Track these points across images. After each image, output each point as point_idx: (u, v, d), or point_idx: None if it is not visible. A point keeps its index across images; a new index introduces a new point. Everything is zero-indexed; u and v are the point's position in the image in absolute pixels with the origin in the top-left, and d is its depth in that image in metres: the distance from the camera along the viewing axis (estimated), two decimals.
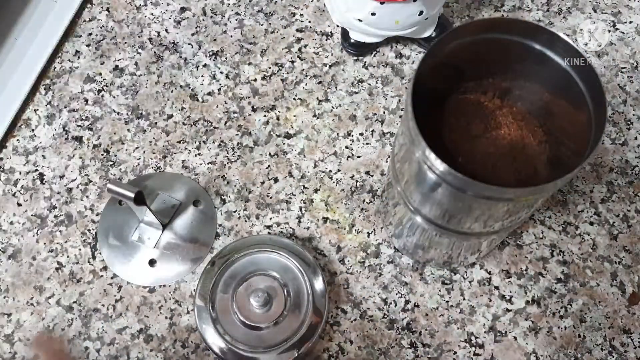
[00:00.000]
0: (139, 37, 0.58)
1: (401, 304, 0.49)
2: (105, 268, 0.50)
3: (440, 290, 0.50)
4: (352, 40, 0.56)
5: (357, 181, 0.53)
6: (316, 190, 0.53)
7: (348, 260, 0.50)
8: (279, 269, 0.46)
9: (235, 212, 0.52)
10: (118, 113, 0.55)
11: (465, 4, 0.60)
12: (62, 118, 0.55)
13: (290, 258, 0.46)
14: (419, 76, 0.35)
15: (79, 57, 0.57)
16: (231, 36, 0.58)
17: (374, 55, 0.57)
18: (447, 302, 0.49)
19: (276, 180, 0.53)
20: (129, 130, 0.55)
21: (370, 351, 0.48)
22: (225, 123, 0.55)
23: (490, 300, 0.49)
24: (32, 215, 0.52)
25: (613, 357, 0.48)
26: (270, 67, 0.57)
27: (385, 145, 0.54)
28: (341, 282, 0.50)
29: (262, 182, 0.53)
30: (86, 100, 0.56)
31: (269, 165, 0.53)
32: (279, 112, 0.55)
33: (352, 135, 0.54)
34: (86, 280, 0.50)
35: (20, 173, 0.53)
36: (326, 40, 0.58)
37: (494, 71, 0.40)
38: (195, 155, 0.54)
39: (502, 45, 0.38)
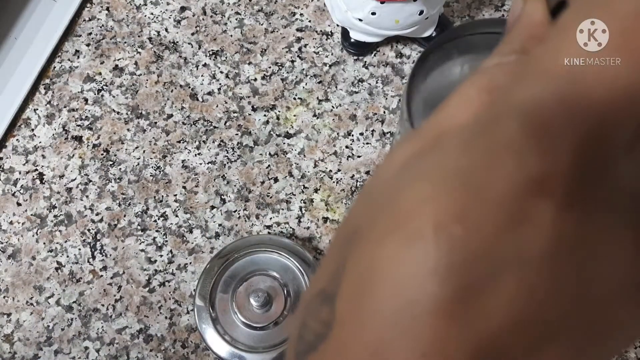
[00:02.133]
0: (138, 36, 0.58)
1: None
2: (104, 268, 0.50)
3: None
4: (352, 40, 0.56)
5: (357, 181, 0.53)
6: (316, 190, 0.53)
7: None
8: (279, 269, 0.46)
9: (235, 212, 0.52)
10: (118, 113, 0.55)
11: (465, 3, 0.60)
12: (61, 117, 0.55)
13: (290, 258, 0.46)
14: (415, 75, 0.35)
15: (78, 57, 0.57)
16: (231, 36, 0.58)
17: (374, 55, 0.57)
18: None
19: (276, 180, 0.53)
20: (128, 129, 0.55)
21: None
22: (225, 123, 0.55)
23: None
24: (31, 214, 0.52)
25: (614, 357, 0.48)
26: (270, 67, 0.57)
27: (386, 145, 0.54)
28: None
29: (262, 182, 0.53)
30: (86, 100, 0.56)
31: (269, 165, 0.53)
32: (279, 111, 0.55)
33: (352, 135, 0.54)
34: (86, 280, 0.50)
35: (19, 173, 0.53)
36: (326, 39, 0.58)
37: None
38: (195, 155, 0.54)
39: None
